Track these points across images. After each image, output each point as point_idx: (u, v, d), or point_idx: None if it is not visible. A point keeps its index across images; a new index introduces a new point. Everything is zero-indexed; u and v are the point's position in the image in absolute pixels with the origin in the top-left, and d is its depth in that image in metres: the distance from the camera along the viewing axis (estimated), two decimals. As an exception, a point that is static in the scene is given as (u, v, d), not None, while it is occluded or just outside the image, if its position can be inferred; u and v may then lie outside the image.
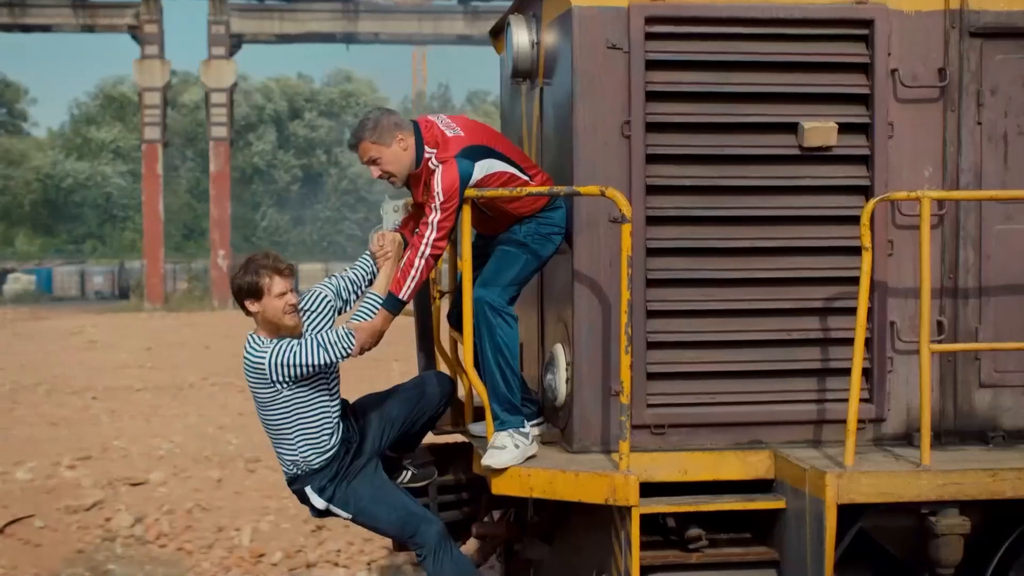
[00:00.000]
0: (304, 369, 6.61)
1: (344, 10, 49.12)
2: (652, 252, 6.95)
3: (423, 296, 7.65)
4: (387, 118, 6.89)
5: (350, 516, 6.99)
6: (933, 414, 7.11)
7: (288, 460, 6.91)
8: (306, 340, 6.65)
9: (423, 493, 7.56)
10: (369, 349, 6.81)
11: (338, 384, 6.95)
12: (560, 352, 7.13)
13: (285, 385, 6.66)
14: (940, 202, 7.09)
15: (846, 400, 6.72)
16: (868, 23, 7.03)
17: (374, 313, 6.83)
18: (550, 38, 7.35)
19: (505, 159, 6.89)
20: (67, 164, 75.86)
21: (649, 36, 6.91)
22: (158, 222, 49.29)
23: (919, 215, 6.65)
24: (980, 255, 7.16)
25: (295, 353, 6.59)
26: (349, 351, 6.67)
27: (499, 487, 6.78)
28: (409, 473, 7.43)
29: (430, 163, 6.79)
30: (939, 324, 7.13)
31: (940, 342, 7.09)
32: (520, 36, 7.56)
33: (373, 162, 6.89)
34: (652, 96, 6.92)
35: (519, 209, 6.94)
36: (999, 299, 7.17)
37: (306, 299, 6.96)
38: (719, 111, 6.98)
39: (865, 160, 7.07)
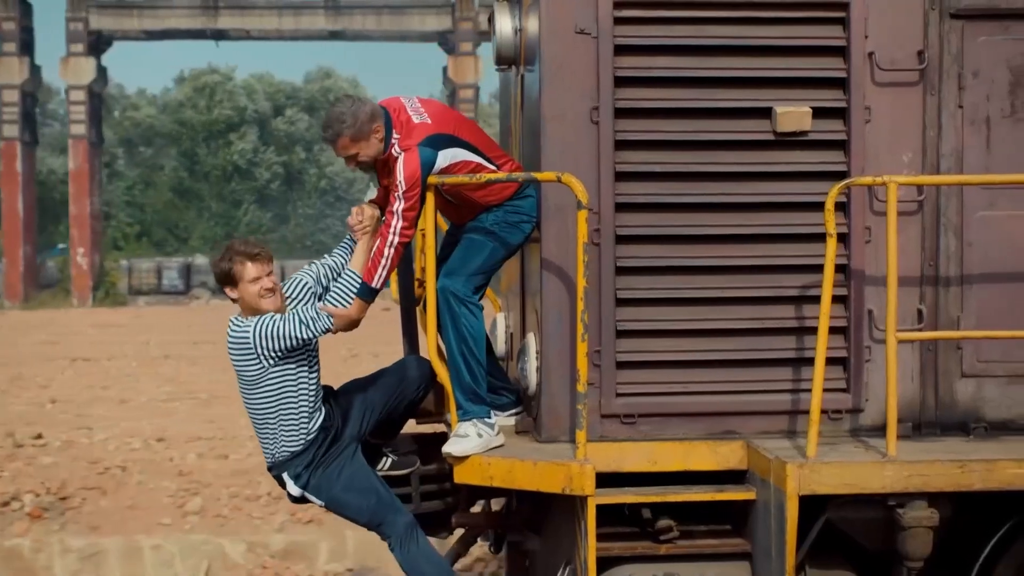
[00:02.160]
0: (287, 341, 6.64)
1: (203, 6, 48.85)
2: (621, 239, 6.86)
3: (406, 281, 7.62)
4: (363, 110, 6.82)
5: (323, 504, 7.00)
6: (912, 404, 7.01)
7: (268, 444, 6.93)
8: (287, 315, 6.71)
9: (405, 482, 7.51)
10: (347, 331, 6.84)
11: (319, 368, 6.95)
12: (531, 341, 7.07)
13: (271, 360, 6.69)
14: (920, 188, 6.94)
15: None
16: (844, 5, 6.89)
17: (351, 290, 6.80)
18: (530, 24, 7.28)
19: (471, 148, 6.84)
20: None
21: (618, 20, 6.82)
22: (16, 220, 49.10)
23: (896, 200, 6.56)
24: (962, 242, 7.00)
25: (277, 326, 6.64)
26: (328, 328, 6.69)
27: (461, 476, 6.76)
28: (389, 460, 7.40)
29: (394, 150, 6.76)
30: (919, 312, 6.98)
31: (921, 330, 6.95)
32: (503, 22, 7.50)
33: (350, 157, 6.88)
34: (621, 81, 6.84)
35: (486, 198, 6.89)
36: (981, 287, 7.00)
37: (287, 286, 6.98)
38: (690, 96, 6.88)
39: (842, 145, 6.93)
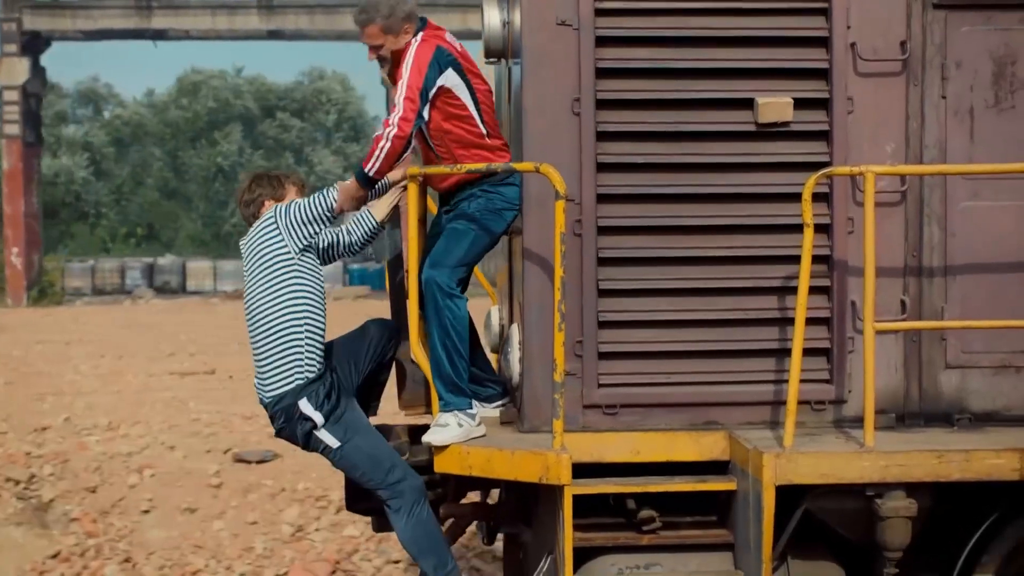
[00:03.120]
0: (308, 212, 6.82)
1: (136, 6, 48.23)
2: (603, 230, 6.88)
3: (397, 272, 7.65)
4: (401, 7, 6.89)
5: (339, 444, 6.86)
6: (896, 395, 7.01)
7: (289, 362, 6.81)
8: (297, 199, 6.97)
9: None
10: (347, 211, 6.98)
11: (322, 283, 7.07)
12: (514, 332, 7.11)
13: (296, 240, 6.82)
14: (902, 178, 6.93)
15: (803, 381, 6.62)
16: (826, -5, 6.89)
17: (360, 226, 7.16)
18: (516, 17, 7.31)
19: (475, 100, 6.91)
20: None
21: (599, 12, 6.84)
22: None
23: (879, 191, 6.58)
24: (945, 233, 6.99)
25: (295, 202, 6.88)
26: (333, 202, 6.82)
27: (440, 465, 6.80)
28: None
29: (413, 40, 6.85)
30: (902, 303, 6.98)
31: (904, 321, 6.94)
32: (491, 16, 7.52)
33: (374, 47, 6.94)
34: (602, 73, 6.85)
35: (465, 158, 6.90)
36: (965, 278, 6.99)
37: None
38: (672, 87, 6.89)
39: (824, 136, 6.93)
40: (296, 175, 7.33)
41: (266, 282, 6.85)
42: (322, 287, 6.95)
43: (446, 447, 6.75)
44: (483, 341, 7.84)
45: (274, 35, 49.42)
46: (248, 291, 6.94)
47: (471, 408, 6.85)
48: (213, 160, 73.31)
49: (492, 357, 8.04)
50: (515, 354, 7.04)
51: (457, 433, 6.73)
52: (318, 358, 6.84)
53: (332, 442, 6.87)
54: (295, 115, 77.07)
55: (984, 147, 6.97)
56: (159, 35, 48.97)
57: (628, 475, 6.80)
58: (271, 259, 6.84)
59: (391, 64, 7.00)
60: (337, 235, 7.31)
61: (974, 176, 6.92)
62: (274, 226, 6.85)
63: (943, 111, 6.97)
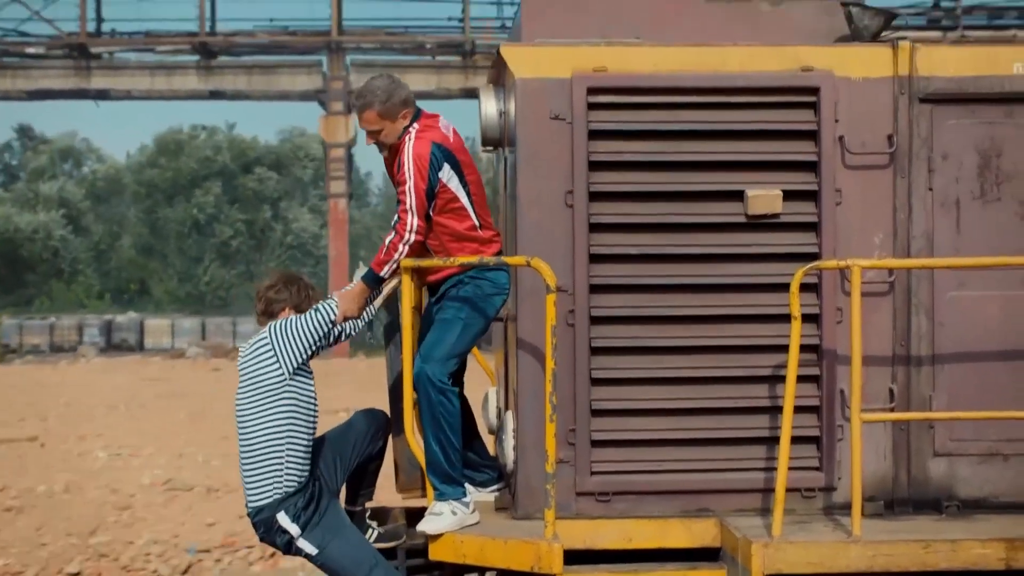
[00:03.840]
0: (306, 333, 6.90)
1: (76, 67, 48.52)
2: (596, 320, 7.00)
3: (396, 363, 7.75)
4: (399, 92, 7.06)
5: (316, 552, 6.99)
6: (885, 483, 7.09)
7: (267, 479, 6.93)
8: (295, 316, 7.03)
9: (392, 555, 7.64)
10: (352, 318, 7.04)
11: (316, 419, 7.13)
12: (509, 419, 7.20)
13: (289, 362, 6.88)
14: (890, 269, 7.05)
15: (793, 468, 6.73)
16: (814, 91, 7.03)
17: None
18: (511, 107, 7.46)
19: (467, 191, 7.02)
20: None
21: (592, 106, 6.99)
22: None
23: (867, 281, 6.71)
24: (933, 322, 7.10)
25: (291, 321, 6.95)
26: (334, 313, 6.94)
27: (435, 552, 6.88)
28: (376, 532, 7.53)
29: (409, 133, 6.99)
30: (891, 392, 7.08)
31: (892, 410, 7.04)
32: (488, 106, 7.66)
33: (372, 132, 7.08)
34: (595, 166, 7.00)
35: (456, 250, 6.99)
36: (953, 366, 7.09)
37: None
38: (664, 180, 7.02)
39: (813, 227, 7.06)
40: (317, 292, 7.37)
41: (254, 403, 6.96)
42: (311, 401, 7.03)
43: (440, 535, 6.83)
44: (480, 423, 7.95)
45: (216, 95, 49.49)
46: (238, 404, 7.05)
47: (465, 496, 6.94)
48: (190, 213, 73.43)
49: (489, 439, 8.15)
50: (509, 441, 7.13)
51: (451, 521, 6.82)
52: (298, 471, 6.94)
53: (311, 550, 7.01)
54: (272, 169, 77.50)
55: (970, 237, 7.09)
56: (101, 95, 49.02)
57: (621, 562, 6.89)
58: (262, 381, 6.94)
59: (389, 150, 7.14)
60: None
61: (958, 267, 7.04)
62: (268, 348, 6.93)
63: (930, 203, 7.09)
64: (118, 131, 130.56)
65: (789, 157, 7.07)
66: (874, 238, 7.09)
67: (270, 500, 6.93)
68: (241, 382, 7.02)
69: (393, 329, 7.70)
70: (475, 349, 8.43)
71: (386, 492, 7.97)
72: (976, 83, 7.10)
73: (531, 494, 6.99)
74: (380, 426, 7.29)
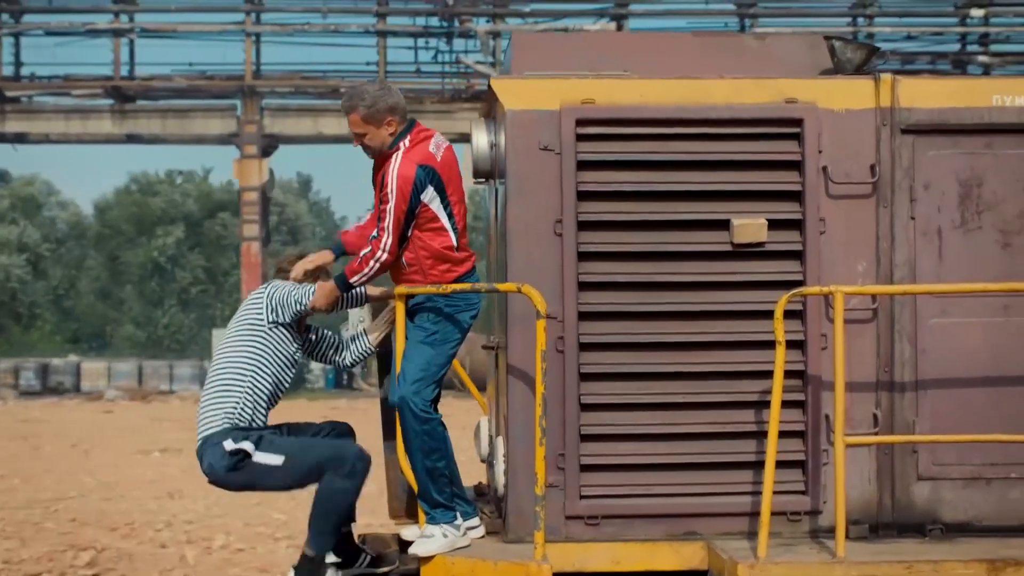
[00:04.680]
0: (286, 299, 7.37)
1: None
2: (585, 347, 7.14)
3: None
4: (386, 99, 7.14)
5: (282, 458, 7.23)
6: (870, 506, 7.22)
7: (220, 410, 7.27)
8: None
9: (386, 581, 7.77)
10: (320, 310, 7.37)
11: (288, 384, 7.52)
12: (499, 444, 7.33)
13: (270, 315, 7.36)
14: (873, 296, 7.19)
15: (779, 492, 6.86)
16: (798, 122, 7.19)
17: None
18: (502, 139, 7.61)
19: (449, 212, 7.15)
20: None
21: (580, 137, 7.14)
22: None
23: (851, 308, 6.85)
24: (916, 348, 7.23)
25: (287, 287, 7.43)
26: (308, 298, 7.36)
27: (427, 575, 6.99)
28: (368, 558, 7.65)
29: (398, 150, 7.12)
30: (874, 417, 7.21)
31: (876, 434, 7.17)
32: (479, 138, 7.79)
33: (357, 134, 7.19)
34: (584, 195, 7.14)
35: (432, 267, 7.14)
36: (935, 392, 7.23)
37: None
38: (651, 209, 7.17)
39: (798, 255, 7.20)
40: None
41: (233, 337, 7.45)
42: (286, 359, 7.45)
43: (432, 557, 6.95)
44: (474, 451, 8.08)
45: (132, 139, 49.60)
46: (220, 343, 7.54)
47: (455, 520, 7.06)
48: (150, 256, 73.66)
49: (481, 468, 8.28)
50: (500, 466, 7.26)
51: (442, 544, 6.93)
52: (250, 414, 7.29)
53: (276, 460, 7.24)
54: (236, 215, 77.94)
55: (952, 265, 7.24)
56: (19, 138, 48.96)
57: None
58: (245, 320, 7.46)
59: (376, 155, 7.24)
60: (338, 346, 7.85)
61: (943, 294, 7.18)
62: (261, 294, 7.49)
63: (912, 231, 7.24)
64: (82, 175, 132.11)
65: (774, 187, 7.21)
66: (857, 266, 7.24)
67: (218, 429, 7.25)
68: (231, 324, 7.50)
69: (388, 359, 7.84)
70: (466, 379, 8.58)
71: (379, 517, 8.09)
72: (957, 114, 7.26)
73: (522, 517, 7.11)
74: (347, 458, 7.36)
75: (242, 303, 7.60)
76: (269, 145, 49.94)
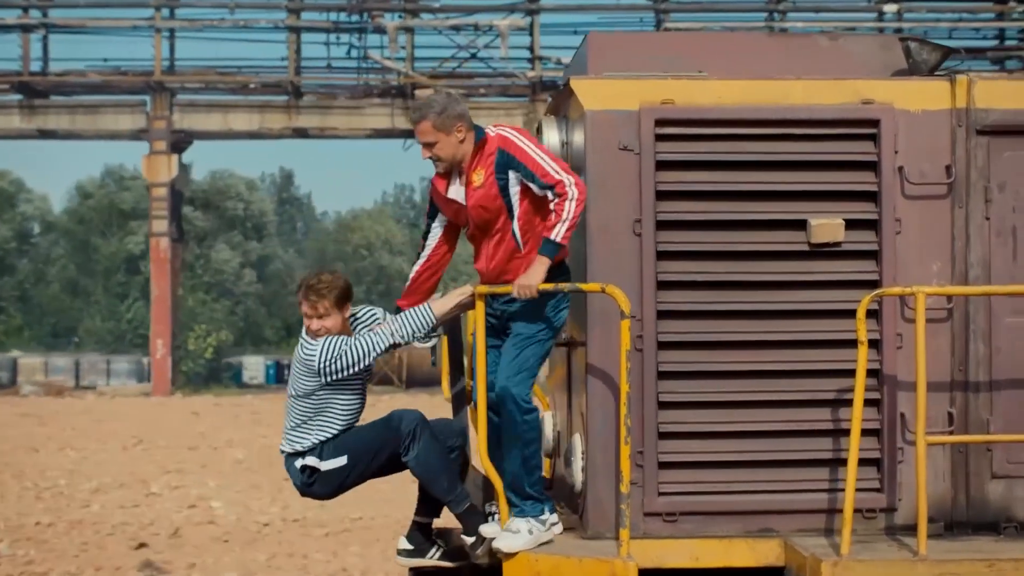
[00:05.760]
0: (349, 368, 7.15)
1: None
2: (663, 345, 7.20)
3: (457, 377, 7.91)
4: (456, 106, 7.12)
5: (346, 459, 7.30)
6: (944, 504, 7.27)
7: (298, 435, 7.36)
8: (353, 340, 7.21)
9: (458, 575, 7.82)
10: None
11: (364, 387, 7.46)
12: (577, 442, 7.39)
13: (327, 378, 7.18)
14: (948, 296, 7.25)
15: (856, 490, 6.91)
16: (875, 123, 7.25)
17: (424, 316, 7.28)
18: (576, 138, 7.66)
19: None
20: None
21: (659, 137, 7.20)
22: None
23: (927, 308, 6.90)
24: (990, 348, 7.29)
25: (342, 350, 7.16)
26: (394, 344, 7.25)
27: (508, 571, 7.03)
28: (440, 551, 7.70)
29: (503, 130, 7.14)
30: (949, 415, 7.27)
31: (951, 433, 7.24)
32: (551, 136, 7.85)
33: (427, 144, 7.13)
34: (662, 195, 7.21)
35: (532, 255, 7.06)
36: (1010, 391, 7.29)
37: (360, 311, 7.56)
38: (728, 209, 7.23)
39: (873, 255, 7.26)
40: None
41: (296, 388, 7.34)
42: (356, 392, 7.37)
43: (515, 553, 7.00)
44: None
45: (46, 135, 49.89)
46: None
47: (543, 515, 7.11)
48: (124, 248, 73.82)
49: (544, 461, 8.34)
50: (578, 463, 7.32)
51: (527, 540, 6.97)
52: (325, 431, 7.33)
53: (341, 462, 7.33)
54: (199, 208, 78.24)
55: None
56: None
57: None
58: (301, 386, 7.32)
59: (446, 168, 7.21)
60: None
61: (1017, 294, 7.24)
62: (313, 371, 7.22)
63: (987, 232, 7.30)
64: (54, 170, 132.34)
65: (850, 187, 7.28)
66: (932, 266, 7.30)
67: (290, 450, 7.38)
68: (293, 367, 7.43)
69: (458, 351, 7.88)
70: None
71: (447, 513, 8.12)
72: (1032, 115, 7.32)
73: (601, 514, 7.18)
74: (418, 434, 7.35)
75: (295, 364, 7.37)
76: (182, 141, 50.32)
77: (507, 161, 7.01)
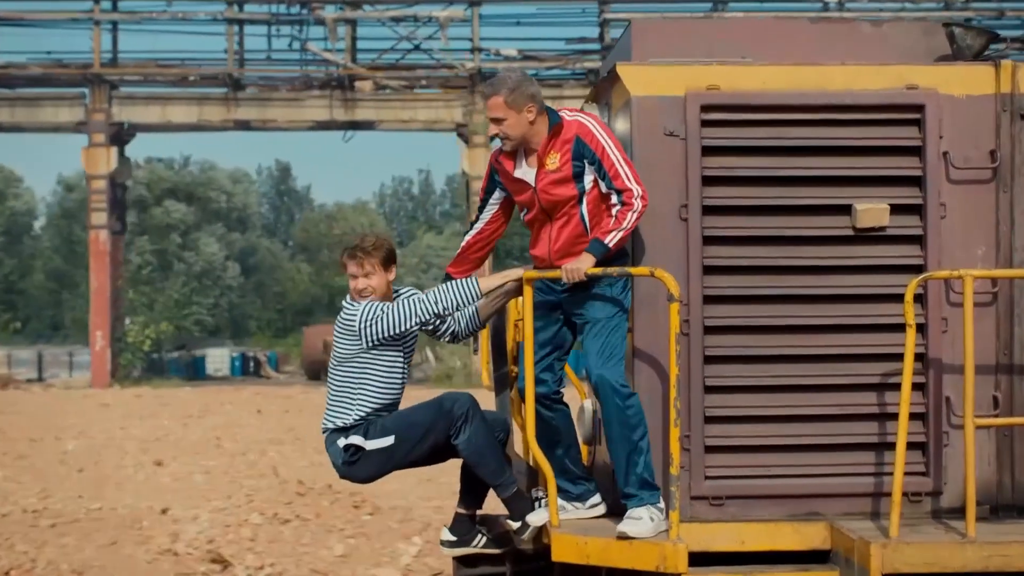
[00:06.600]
0: (390, 329, 7.17)
1: None
2: (709, 330, 7.23)
3: (500, 366, 7.95)
4: (529, 85, 7.13)
5: (392, 439, 7.26)
6: (990, 488, 7.30)
7: (340, 410, 7.34)
8: (395, 303, 7.26)
9: (500, 562, 7.86)
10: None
11: (406, 365, 7.45)
12: (622, 426, 7.41)
13: (370, 343, 7.20)
14: (994, 280, 7.28)
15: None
16: (919, 108, 7.27)
17: (470, 288, 7.26)
18: (619, 125, 7.69)
19: None
20: None
21: (705, 123, 7.24)
22: None
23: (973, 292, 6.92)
24: None
25: (384, 314, 7.20)
26: (436, 313, 7.23)
27: (558, 554, 7.06)
28: (484, 538, 7.73)
29: (584, 115, 7.15)
30: (995, 399, 7.30)
31: (997, 416, 7.26)
32: (595, 121, 7.89)
33: (496, 120, 7.14)
34: (708, 180, 7.24)
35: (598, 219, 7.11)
36: None
37: (402, 289, 7.58)
38: (774, 194, 7.26)
39: (918, 240, 7.29)
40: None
41: (338, 356, 7.36)
42: (398, 364, 7.35)
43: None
44: (577, 433, 8.15)
45: None
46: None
47: (660, 503, 7.03)
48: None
49: (584, 449, 8.36)
50: (623, 447, 7.34)
51: (651, 527, 6.87)
52: (376, 407, 7.31)
53: (387, 441, 7.29)
54: (183, 200, 78.37)
55: None
56: None
57: (732, 564, 7.10)
58: (343, 351, 7.33)
59: (513, 147, 7.21)
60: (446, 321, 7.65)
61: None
62: (354, 333, 7.25)
63: None
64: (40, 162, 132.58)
65: (894, 172, 7.31)
66: (977, 250, 7.33)
67: (332, 427, 7.37)
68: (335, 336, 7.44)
69: (501, 339, 7.92)
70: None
71: (490, 500, 8.15)
72: (1077, 100, 7.35)
73: (647, 498, 7.20)
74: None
75: (336, 327, 7.42)
76: (124, 133, 50.56)
77: (584, 151, 7.05)
